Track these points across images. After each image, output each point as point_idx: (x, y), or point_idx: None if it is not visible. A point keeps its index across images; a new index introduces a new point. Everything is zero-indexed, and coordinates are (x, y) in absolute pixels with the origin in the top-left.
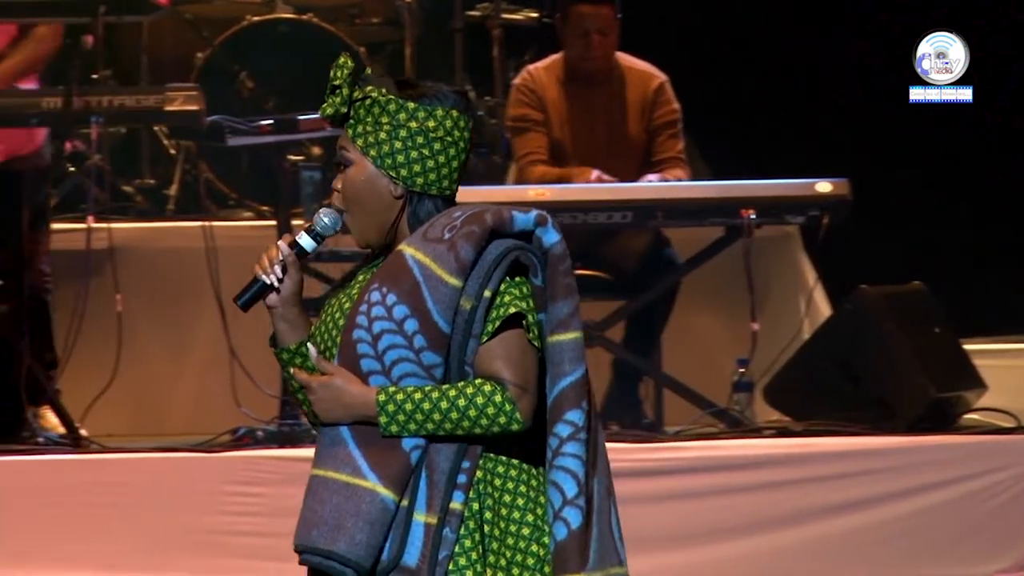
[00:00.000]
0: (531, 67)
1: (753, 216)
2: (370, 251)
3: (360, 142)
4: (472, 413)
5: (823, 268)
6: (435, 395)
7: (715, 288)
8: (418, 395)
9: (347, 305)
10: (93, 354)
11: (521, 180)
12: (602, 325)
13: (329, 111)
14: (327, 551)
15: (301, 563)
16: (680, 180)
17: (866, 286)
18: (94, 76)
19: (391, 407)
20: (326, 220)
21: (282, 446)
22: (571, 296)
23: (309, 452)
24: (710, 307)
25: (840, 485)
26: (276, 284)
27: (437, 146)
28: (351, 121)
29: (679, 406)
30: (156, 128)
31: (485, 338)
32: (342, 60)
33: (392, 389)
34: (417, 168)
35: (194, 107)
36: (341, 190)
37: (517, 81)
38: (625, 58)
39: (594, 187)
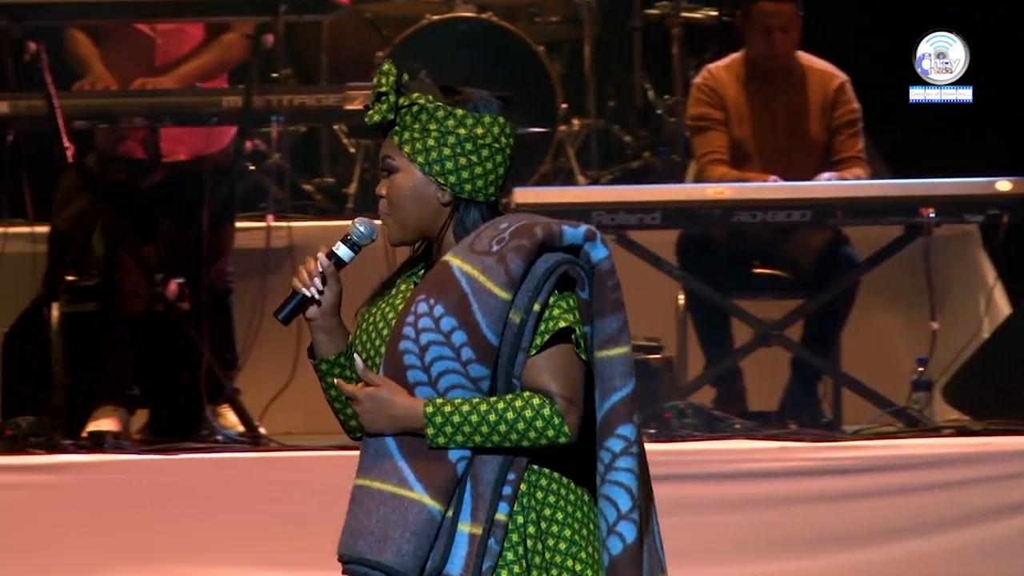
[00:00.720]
0: (711, 66)
1: (932, 215)
2: (408, 259)
3: (407, 149)
4: (520, 426)
5: (1003, 267)
6: (483, 407)
7: (894, 287)
8: (466, 407)
9: (390, 314)
10: (272, 352)
11: (700, 179)
12: (781, 324)
13: (376, 119)
14: (374, 562)
15: (344, 572)
16: (859, 179)
17: None
18: (274, 75)
19: (439, 419)
20: (362, 229)
21: None
22: (619, 311)
23: None
24: (889, 306)
25: (1019, 484)
26: (316, 297)
27: (485, 152)
28: (396, 128)
29: (858, 405)
30: (335, 127)
31: (534, 351)
32: (386, 67)
33: (439, 401)
34: (466, 175)
35: None
36: (387, 196)
37: (697, 80)
38: (806, 57)
39: (773, 186)
